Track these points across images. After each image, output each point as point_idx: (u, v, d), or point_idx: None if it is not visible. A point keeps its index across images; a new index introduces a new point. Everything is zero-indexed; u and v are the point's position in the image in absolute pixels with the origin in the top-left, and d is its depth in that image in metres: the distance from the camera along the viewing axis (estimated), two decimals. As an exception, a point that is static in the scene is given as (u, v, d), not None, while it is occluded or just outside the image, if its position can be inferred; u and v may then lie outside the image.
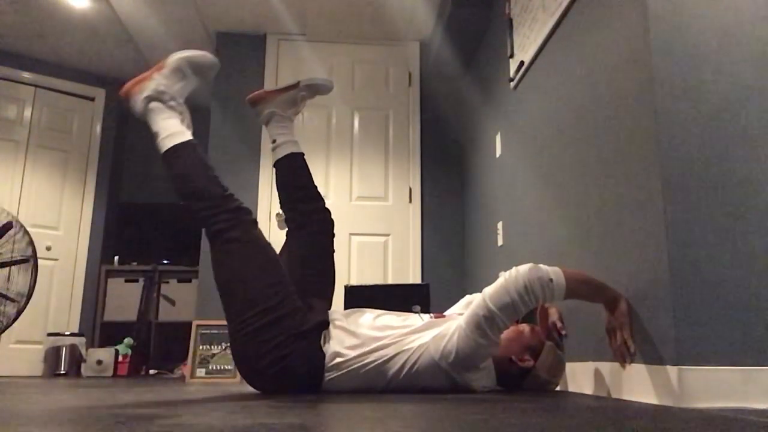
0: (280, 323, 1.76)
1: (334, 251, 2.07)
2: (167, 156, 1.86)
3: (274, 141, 2.13)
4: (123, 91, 1.98)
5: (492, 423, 0.96)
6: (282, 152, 2.11)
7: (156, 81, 1.93)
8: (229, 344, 2.22)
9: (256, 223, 1.89)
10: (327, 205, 2.11)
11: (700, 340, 1.46)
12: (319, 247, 2.05)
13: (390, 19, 4.14)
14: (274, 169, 2.14)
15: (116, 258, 4.88)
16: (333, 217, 2.10)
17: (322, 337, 1.82)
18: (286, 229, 2.10)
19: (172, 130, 1.88)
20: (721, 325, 1.47)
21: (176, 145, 1.86)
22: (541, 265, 1.73)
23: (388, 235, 4.14)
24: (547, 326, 2.02)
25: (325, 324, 1.84)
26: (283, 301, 1.79)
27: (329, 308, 1.97)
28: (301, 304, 1.83)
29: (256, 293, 1.77)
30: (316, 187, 2.12)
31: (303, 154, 2.12)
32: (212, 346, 3.66)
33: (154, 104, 1.91)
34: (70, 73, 4.93)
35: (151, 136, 1.91)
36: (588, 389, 1.96)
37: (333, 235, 2.09)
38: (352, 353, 1.79)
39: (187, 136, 1.89)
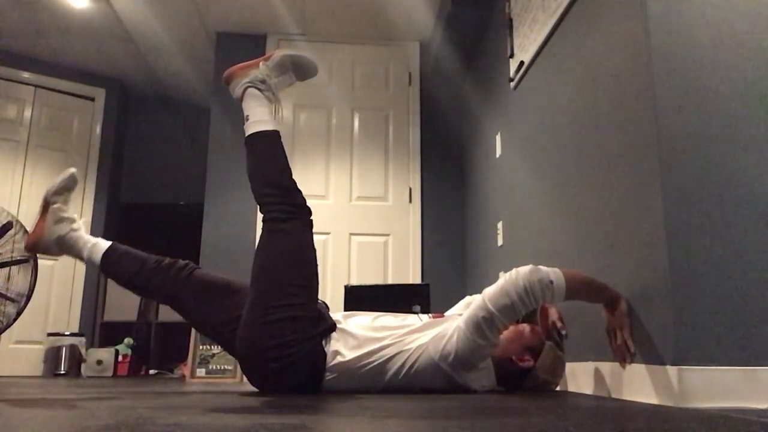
0: (296, 322, 1.78)
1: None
2: (252, 139, 1.96)
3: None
4: (227, 74, 2.07)
5: (492, 423, 0.96)
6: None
7: (260, 70, 2.03)
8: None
9: (311, 224, 1.92)
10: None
11: (700, 340, 1.46)
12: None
13: (390, 19, 4.14)
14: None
15: (116, 258, 4.87)
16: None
17: (324, 339, 1.83)
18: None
19: (262, 117, 1.98)
20: (721, 325, 1.48)
21: (262, 131, 1.96)
22: (541, 267, 1.73)
23: (388, 235, 4.14)
24: (547, 326, 2.02)
25: (331, 329, 1.85)
26: (305, 303, 1.81)
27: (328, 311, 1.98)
28: (317, 314, 1.85)
29: (284, 287, 1.80)
30: None
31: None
32: (212, 346, 3.66)
33: (251, 90, 2.01)
34: (70, 73, 4.93)
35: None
36: (588, 389, 1.96)
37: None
38: (352, 354, 1.80)
39: (273, 126, 1.98)
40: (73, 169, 2.13)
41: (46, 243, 2.03)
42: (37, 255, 2.09)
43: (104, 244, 2.01)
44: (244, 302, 1.84)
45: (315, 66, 2.11)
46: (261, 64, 2.04)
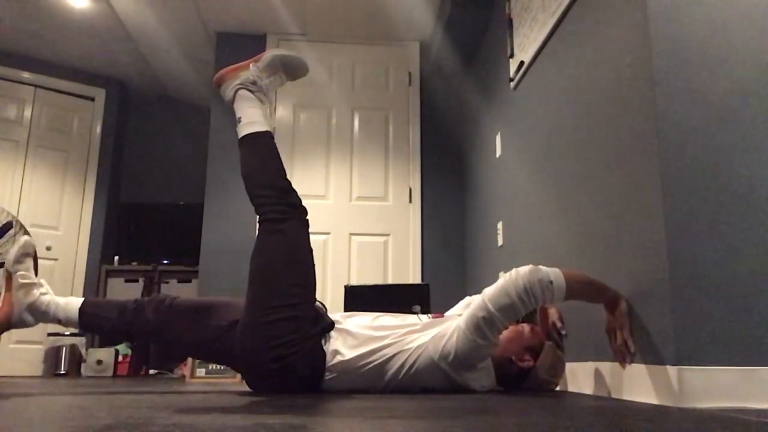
0: (295, 322, 1.78)
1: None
2: (245, 140, 1.96)
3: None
4: (217, 76, 2.06)
5: (492, 423, 0.96)
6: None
7: (250, 72, 2.03)
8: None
9: (307, 224, 1.92)
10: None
11: (700, 340, 1.46)
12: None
13: (390, 19, 4.14)
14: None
15: (116, 258, 4.88)
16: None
17: (324, 338, 1.83)
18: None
19: (255, 118, 1.98)
20: (721, 325, 1.48)
21: (255, 132, 1.96)
22: (541, 267, 1.73)
23: (388, 235, 4.14)
24: (547, 326, 2.02)
25: (330, 327, 1.85)
26: (303, 303, 1.82)
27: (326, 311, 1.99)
28: (315, 314, 1.85)
29: (283, 287, 1.81)
30: None
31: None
32: (212, 346, 3.66)
33: (242, 92, 2.01)
34: (70, 73, 4.93)
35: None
36: (588, 389, 1.96)
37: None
38: (352, 353, 1.80)
39: (266, 127, 1.99)
40: (27, 236, 2.06)
41: (19, 314, 1.95)
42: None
43: (77, 300, 1.97)
44: (233, 314, 1.85)
45: (305, 65, 2.11)
46: (251, 65, 2.05)
